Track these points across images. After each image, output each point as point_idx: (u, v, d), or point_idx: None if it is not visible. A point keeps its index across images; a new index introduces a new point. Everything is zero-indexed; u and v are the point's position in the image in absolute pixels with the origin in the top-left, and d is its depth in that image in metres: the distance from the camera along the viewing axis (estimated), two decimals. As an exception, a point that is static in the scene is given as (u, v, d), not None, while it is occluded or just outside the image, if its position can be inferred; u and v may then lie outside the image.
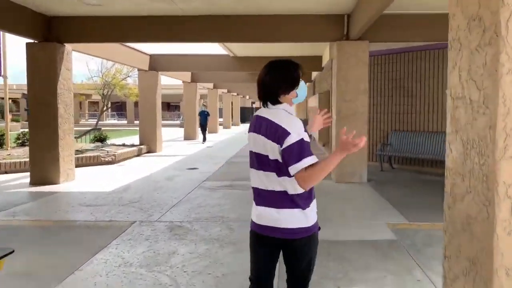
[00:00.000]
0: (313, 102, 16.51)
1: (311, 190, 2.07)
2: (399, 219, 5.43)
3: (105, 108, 39.85)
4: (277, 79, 2.06)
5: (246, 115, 43.89)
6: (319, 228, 2.13)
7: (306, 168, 1.90)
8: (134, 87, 36.59)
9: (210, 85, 24.87)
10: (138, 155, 12.98)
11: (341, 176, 7.81)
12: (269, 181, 2.04)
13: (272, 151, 1.99)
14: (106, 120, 52.71)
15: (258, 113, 2.14)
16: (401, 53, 9.53)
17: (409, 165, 9.62)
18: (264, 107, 2.12)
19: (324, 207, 6.06)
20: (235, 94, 35.42)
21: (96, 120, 38.36)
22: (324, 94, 12.33)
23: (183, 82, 19.96)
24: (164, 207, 6.19)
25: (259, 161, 2.07)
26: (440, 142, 8.77)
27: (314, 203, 2.11)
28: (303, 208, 2.03)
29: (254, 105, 57.00)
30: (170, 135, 22.55)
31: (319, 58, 13.83)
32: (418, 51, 9.18)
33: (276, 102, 2.07)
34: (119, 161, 11.45)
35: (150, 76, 13.95)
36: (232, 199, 6.66)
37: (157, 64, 14.04)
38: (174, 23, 7.98)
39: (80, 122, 47.65)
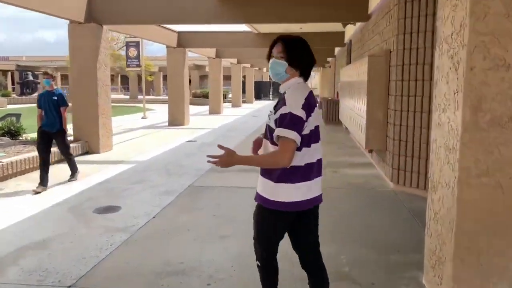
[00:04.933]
0: (349, 74, 10.99)
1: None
2: None
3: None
4: None
5: (262, 90, 38.06)
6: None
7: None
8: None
9: (234, 60, 24.99)
10: (62, 160, 7.88)
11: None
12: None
13: None
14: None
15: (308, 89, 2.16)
16: None
17: None
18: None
19: None
20: (248, 66, 29.85)
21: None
22: (376, 60, 6.34)
23: (208, 57, 20.42)
24: None
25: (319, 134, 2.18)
26: None
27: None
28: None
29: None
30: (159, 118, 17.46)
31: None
32: None
33: None
34: (4, 179, 6.40)
35: (178, 52, 14.36)
36: None
37: (185, 41, 14.54)
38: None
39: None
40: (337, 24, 11.69)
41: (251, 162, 2.13)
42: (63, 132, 6.18)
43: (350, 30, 12.15)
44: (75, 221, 4.44)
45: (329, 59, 23.30)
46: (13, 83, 44.93)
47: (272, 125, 2.06)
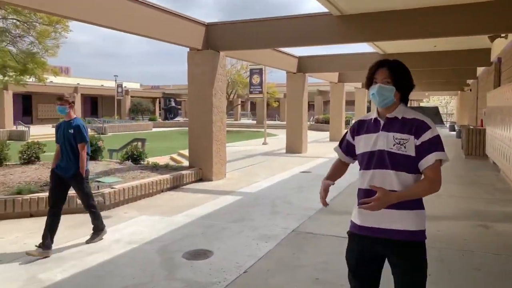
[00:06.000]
0: (501, 99, 8.99)
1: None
2: None
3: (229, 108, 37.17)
4: None
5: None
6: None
7: None
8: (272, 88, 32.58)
9: (359, 85, 22.77)
10: (174, 187, 7.81)
11: None
12: None
13: None
14: (240, 119, 50.72)
15: None
16: None
17: None
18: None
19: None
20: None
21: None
22: None
23: (330, 82, 19.44)
24: None
25: None
26: None
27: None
28: None
29: (421, 104, 47.26)
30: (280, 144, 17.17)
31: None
32: None
33: None
34: (115, 206, 6.44)
35: (297, 78, 14.03)
36: None
37: (305, 66, 14.05)
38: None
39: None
40: (480, 39, 9.84)
41: (410, 195, 1.96)
42: (79, 176, 4.53)
43: (499, 45, 10.12)
44: (159, 268, 3.93)
45: (470, 81, 20.41)
46: (160, 109, 50.62)
47: (411, 152, 1.96)
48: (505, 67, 9.86)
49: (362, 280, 2.07)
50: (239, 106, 48.35)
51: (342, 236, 4.74)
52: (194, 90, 8.81)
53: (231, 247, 4.50)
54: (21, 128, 25.95)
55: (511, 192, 7.29)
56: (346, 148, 2.23)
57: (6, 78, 16.86)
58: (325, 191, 2.16)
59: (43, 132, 24.58)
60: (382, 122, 2.03)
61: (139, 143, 9.99)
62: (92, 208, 4.76)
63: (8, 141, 10.03)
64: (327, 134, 21.90)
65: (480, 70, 15.55)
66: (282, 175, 9.34)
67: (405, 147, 1.94)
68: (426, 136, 1.94)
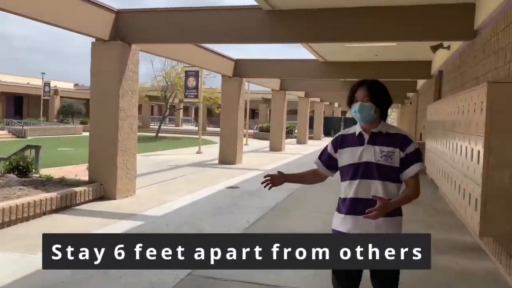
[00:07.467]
0: (443, 112, 8.42)
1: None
2: None
3: (167, 113, 35.16)
4: None
5: (333, 126, 35.32)
6: None
7: None
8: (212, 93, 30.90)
9: (302, 94, 23.06)
10: (63, 208, 6.26)
11: None
12: None
13: None
14: (182, 125, 48.72)
15: None
16: None
17: None
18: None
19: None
20: (318, 100, 27.79)
21: (158, 126, 33.65)
22: (503, 90, 3.79)
23: (272, 90, 18.97)
24: None
25: None
26: None
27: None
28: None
29: (347, 115, 48.44)
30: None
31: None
32: None
33: None
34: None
35: (233, 82, 12.69)
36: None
37: (242, 70, 12.78)
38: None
39: (151, 126, 43.31)
40: (421, 50, 9.39)
41: (401, 203, 2.19)
42: None
43: (441, 58, 9.68)
44: None
45: (410, 94, 20.43)
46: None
47: (396, 164, 2.17)
48: (447, 79, 9.36)
49: (345, 283, 2.26)
50: (181, 111, 46.44)
51: (252, 282, 3.56)
52: (97, 88, 7.33)
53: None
54: None
55: (449, 213, 6.59)
56: (327, 161, 2.36)
57: None
58: (276, 178, 2.39)
59: None
60: (366, 137, 2.21)
61: (28, 152, 8.24)
62: None
63: None
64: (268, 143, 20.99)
65: (420, 83, 15.38)
66: (203, 191, 8.07)
67: (391, 159, 2.16)
68: (410, 149, 2.18)
